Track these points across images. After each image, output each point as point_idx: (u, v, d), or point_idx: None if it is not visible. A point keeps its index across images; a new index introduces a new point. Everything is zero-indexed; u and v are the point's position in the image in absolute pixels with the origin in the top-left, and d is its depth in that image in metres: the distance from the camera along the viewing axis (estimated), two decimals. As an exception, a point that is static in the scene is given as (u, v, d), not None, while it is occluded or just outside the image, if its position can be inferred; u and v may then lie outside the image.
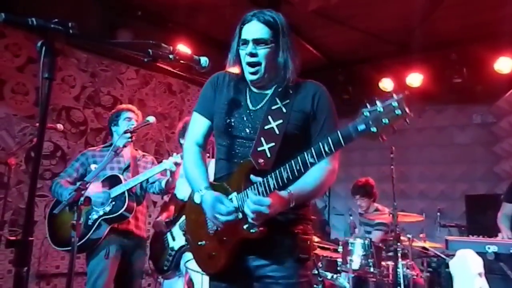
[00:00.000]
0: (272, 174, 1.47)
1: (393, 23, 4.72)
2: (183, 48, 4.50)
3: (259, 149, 1.57)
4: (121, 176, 2.79)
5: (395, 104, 1.28)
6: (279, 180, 1.45)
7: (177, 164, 2.74)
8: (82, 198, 1.99)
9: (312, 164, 1.42)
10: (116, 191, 2.74)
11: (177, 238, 3.00)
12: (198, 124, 1.77)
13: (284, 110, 1.61)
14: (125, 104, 4.55)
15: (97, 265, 2.68)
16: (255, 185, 1.49)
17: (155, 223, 3.16)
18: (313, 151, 1.40)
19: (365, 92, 5.98)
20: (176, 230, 3.00)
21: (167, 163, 2.72)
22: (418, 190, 5.85)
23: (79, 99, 4.23)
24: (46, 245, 3.70)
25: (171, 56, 1.44)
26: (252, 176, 1.50)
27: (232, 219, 1.50)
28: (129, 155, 2.99)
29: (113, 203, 2.72)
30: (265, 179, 1.48)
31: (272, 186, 1.46)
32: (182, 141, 3.21)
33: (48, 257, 3.83)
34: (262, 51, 1.64)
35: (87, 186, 2.06)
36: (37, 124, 1.11)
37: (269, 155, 1.55)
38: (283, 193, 1.48)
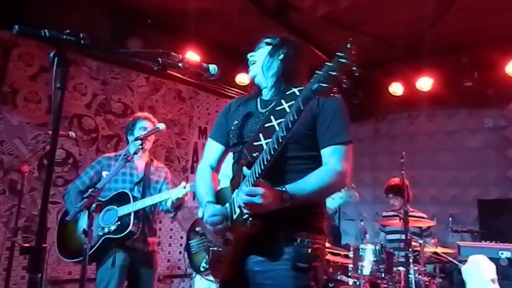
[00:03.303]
0: (256, 160, 1.45)
1: (403, 27, 4.70)
2: (193, 55, 4.55)
3: (255, 143, 1.60)
4: (130, 195, 2.77)
5: (341, 54, 1.28)
6: (262, 164, 1.41)
7: (186, 195, 2.74)
8: (94, 205, 2.01)
9: (284, 138, 1.37)
10: (123, 210, 2.72)
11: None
12: (212, 149, 1.88)
13: (288, 110, 1.60)
14: (136, 111, 4.63)
15: (105, 274, 2.68)
16: (246, 177, 1.49)
17: (199, 222, 3.16)
18: (282, 124, 1.39)
19: (375, 96, 5.96)
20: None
21: (176, 193, 2.71)
22: (429, 195, 5.78)
23: (90, 107, 4.29)
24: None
25: (180, 65, 1.47)
26: (244, 169, 1.50)
27: (222, 227, 1.56)
28: (143, 167, 3.00)
29: (118, 222, 2.71)
30: (252, 167, 1.46)
31: (257, 172, 1.43)
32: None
33: (61, 263, 3.86)
34: (258, 51, 1.82)
35: (99, 193, 2.08)
36: (50, 132, 1.13)
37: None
38: (277, 188, 1.47)
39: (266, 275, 1.54)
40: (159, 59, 1.40)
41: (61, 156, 4.02)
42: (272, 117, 1.62)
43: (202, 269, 3.09)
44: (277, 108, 1.64)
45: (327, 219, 1.69)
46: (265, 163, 1.41)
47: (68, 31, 1.12)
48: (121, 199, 2.77)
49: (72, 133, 3.11)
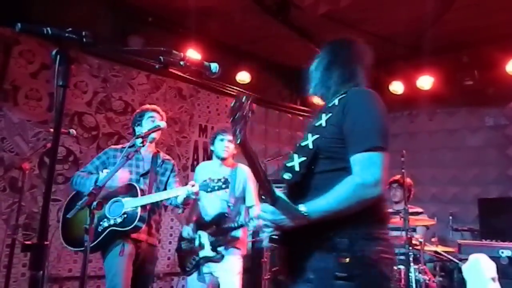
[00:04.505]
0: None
1: (404, 26, 4.70)
2: (194, 54, 4.55)
3: (288, 164, 1.54)
4: (138, 188, 2.75)
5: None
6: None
7: (196, 194, 2.74)
8: (95, 203, 2.01)
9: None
10: (130, 203, 2.71)
11: (205, 247, 3.05)
12: None
13: (324, 125, 1.52)
14: (137, 109, 4.63)
15: (113, 263, 2.67)
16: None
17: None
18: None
19: (375, 95, 5.96)
20: (204, 239, 3.05)
21: (186, 191, 2.70)
22: (430, 194, 5.78)
23: (91, 105, 4.29)
24: (58, 249, 3.76)
25: (181, 63, 1.47)
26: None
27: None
28: (150, 159, 2.97)
29: (125, 215, 2.69)
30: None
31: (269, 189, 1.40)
32: (211, 147, 3.30)
33: (61, 260, 3.88)
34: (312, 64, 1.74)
35: (100, 191, 2.08)
36: (51, 130, 1.14)
37: (297, 168, 1.51)
38: (296, 206, 1.42)
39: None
40: (161, 57, 1.40)
41: (61, 153, 4.03)
42: (309, 135, 1.54)
43: (187, 269, 3.13)
44: (316, 124, 1.55)
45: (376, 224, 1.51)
46: (261, 177, 1.38)
47: (70, 29, 1.12)
48: (129, 190, 2.76)
49: (73, 131, 3.10)
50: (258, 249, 4.45)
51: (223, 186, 2.68)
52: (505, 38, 4.46)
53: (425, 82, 5.29)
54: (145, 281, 2.88)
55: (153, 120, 2.92)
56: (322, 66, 1.69)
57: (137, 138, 2.52)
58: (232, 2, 4.32)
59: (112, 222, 2.70)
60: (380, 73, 5.77)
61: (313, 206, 1.42)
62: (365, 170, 1.40)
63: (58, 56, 1.10)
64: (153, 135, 2.87)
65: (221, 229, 3.05)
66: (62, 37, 1.10)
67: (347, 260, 1.40)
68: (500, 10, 4.19)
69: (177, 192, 2.75)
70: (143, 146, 2.57)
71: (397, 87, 5.59)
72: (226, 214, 3.05)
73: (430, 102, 5.58)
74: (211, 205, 3.15)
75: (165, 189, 2.97)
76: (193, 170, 5.03)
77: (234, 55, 5.31)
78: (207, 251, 3.04)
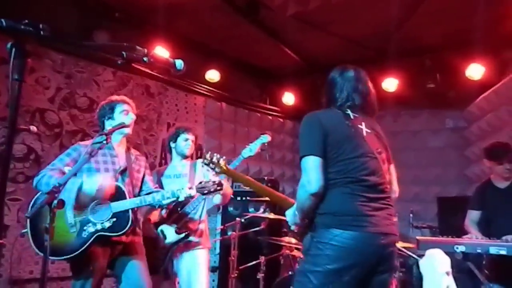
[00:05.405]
0: None
1: (371, 29, 4.82)
2: (162, 51, 4.49)
3: None
4: (124, 190, 2.61)
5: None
6: None
7: (191, 197, 2.74)
8: (55, 201, 1.95)
9: None
10: (119, 206, 2.55)
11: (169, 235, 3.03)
12: None
13: None
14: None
15: (80, 279, 2.48)
16: None
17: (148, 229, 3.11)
18: None
19: (343, 96, 6.08)
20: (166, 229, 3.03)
21: (185, 194, 2.67)
22: (393, 193, 5.96)
23: (53, 101, 4.15)
24: (19, 250, 3.62)
25: (145, 59, 1.44)
26: None
27: None
28: (123, 155, 2.82)
29: (114, 219, 2.53)
30: None
31: None
32: (172, 144, 3.29)
33: (22, 262, 3.74)
34: None
35: (60, 189, 2.01)
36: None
37: None
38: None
39: None
40: (124, 52, 1.37)
41: (22, 151, 3.88)
42: None
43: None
44: None
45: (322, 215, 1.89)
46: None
47: (26, 21, 1.09)
48: (115, 193, 2.59)
49: (33, 128, 2.94)
50: (226, 247, 4.46)
51: (218, 188, 2.73)
52: (466, 44, 4.64)
53: (390, 84, 5.43)
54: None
55: (127, 112, 2.78)
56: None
57: (101, 135, 2.42)
58: (202, 0, 4.30)
59: (99, 227, 2.52)
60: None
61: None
62: (302, 174, 1.87)
63: (14, 49, 1.06)
64: (126, 130, 2.75)
65: (180, 214, 3.08)
66: (18, 30, 1.07)
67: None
68: (462, 17, 4.37)
69: (175, 195, 2.66)
70: (107, 143, 2.47)
71: (363, 88, 5.71)
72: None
73: (395, 104, 5.75)
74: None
75: (141, 186, 2.84)
76: (160, 168, 4.97)
77: (203, 54, 5.28)
78: (171, 237, 3.01)
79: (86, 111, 4.37)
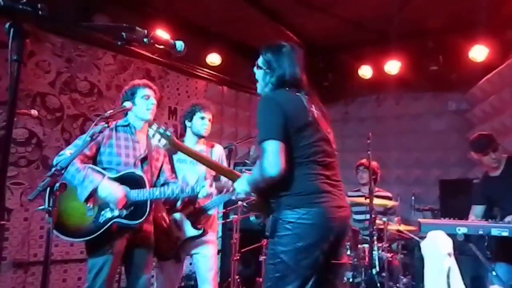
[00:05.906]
0: None
1: (372, 11, 4.76)
2: (162, 34, 4.44)
3: None
4: (145, 180, 2.56)
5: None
6: None
7: (209, 195, 2.68)
8: (57, 184, 1.95)
9: None
10: (138, 195, 2.53)
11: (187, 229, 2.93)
12: None
13: None
14: (103, 91, 4.50)
15: (99, 260, 2.48)
16: None
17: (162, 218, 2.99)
18: None
19: (345, 79, 6.04)
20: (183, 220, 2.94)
21: (202, 193, 2.64)
22: (394, 175, 5.98)
23: (54, 85, 4.13)
24: (23, 233, 3.66)
25: (145, 40, 1.42)
26: None
27: None
28: (145, 143, 2.74)
29: (132, 208, 2.51)
30: None
31: None
32: (188, 123, 3.09)
33: (25, 245, 3.77)
34: None
35: (62, 172, 2.00)
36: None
37: None
38: None
39: None
40: (123, 33, 1.35)
41: (24, 135, 3.87)
42: None
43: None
44: None
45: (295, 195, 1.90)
46: None
47: (24, 1, 1.07)
48: (134, 182, 2.55)
49: (35, 111, 2.93)
50: (229, 231, 4.49)
51: (244, 204, 2.61)
52: (469, 25, 4.58)
53: (393, 67, 5.39)
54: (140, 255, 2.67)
55: (148, 97, 2.71)
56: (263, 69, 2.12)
57: (101, 119, 2.39)
58: (201, -18, 4.24)
59: (117, 213, 2.50)
60: (349, 57, 5.85)
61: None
62: (261, 157, 1.85)
63: (12, 30, 1.05)
64: (149, 115, 2.70)
65: (197, 209, 2.97)
66: (15, 9, 1.05)
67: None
68: (464, -2, 4.30)
69: (193, 190, 2.63)
70: (109, 127, 2.45)
71: (365, 71, 5.68)
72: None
73: (397, 86, 5.71)
74: (190, 180, 3.03)
75: (158, 175, 2.81)
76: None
77: (204, 37, 5.22)
78: (189, 231, 2.92)
79: (87, 95, 4.35)
